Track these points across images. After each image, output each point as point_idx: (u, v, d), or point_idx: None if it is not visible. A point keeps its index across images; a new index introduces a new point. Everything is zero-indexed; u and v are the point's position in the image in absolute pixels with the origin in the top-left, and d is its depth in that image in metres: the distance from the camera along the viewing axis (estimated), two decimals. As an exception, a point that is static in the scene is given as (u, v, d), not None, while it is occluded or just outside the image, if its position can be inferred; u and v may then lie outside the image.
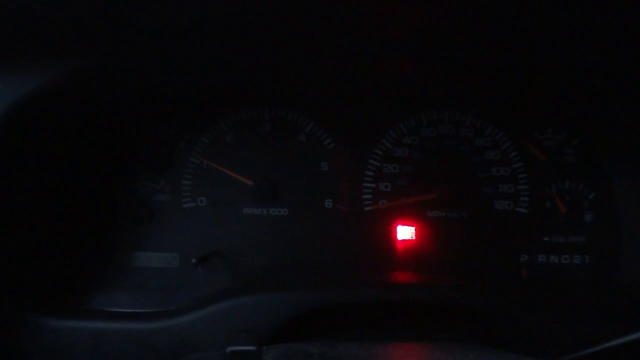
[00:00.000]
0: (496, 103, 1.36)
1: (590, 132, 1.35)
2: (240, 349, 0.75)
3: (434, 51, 1.06)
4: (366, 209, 1.36)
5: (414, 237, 1.35)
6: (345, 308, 1.07)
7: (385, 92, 1.36)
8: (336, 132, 1.37)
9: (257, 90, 1.36)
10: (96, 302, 1.29)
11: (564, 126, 1.36)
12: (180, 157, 1.38)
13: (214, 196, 1.38)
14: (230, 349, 0.75)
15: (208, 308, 1.06)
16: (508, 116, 1.36)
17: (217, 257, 1.35)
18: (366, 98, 1.37)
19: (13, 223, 1.18)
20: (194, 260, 1.26)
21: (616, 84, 1.19)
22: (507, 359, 0.90)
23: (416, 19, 0.95)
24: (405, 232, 1.35)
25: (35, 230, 1.24)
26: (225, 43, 1.02)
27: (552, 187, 1.35)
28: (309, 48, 1.06)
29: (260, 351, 0.76)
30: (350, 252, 1.35)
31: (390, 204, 1.36)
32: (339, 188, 1.37)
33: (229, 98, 1.38)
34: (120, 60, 1.04)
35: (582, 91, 1.29)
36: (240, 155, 1.37)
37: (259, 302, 1.05)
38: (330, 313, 1.08)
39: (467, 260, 1.34)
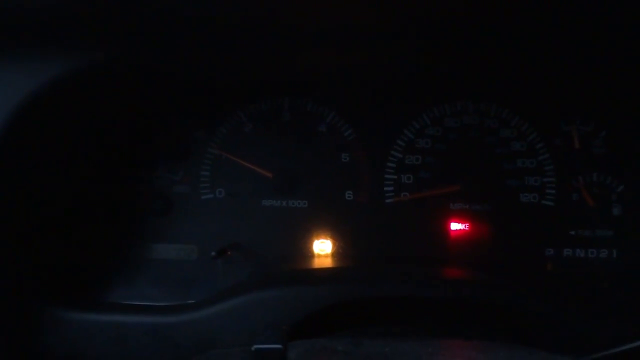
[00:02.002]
0: (522, 93, 1.33)
1: (619, 124, 1.31)
2: (265, 347, 0.73)
3: (459, 40, 1.03)
4: (387, 201, 1.34)
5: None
6: (369, 303, 1.05)
7: (408, 82, 1.33)
8: (357, 122, 1.35)
9: (277, 80, 1.34)
10: (115, 295, 1.28)
11: (592, 117, 1.32)
12: (199, 147, 1.36)
13: (233, 187, 1.36)
14: (255, 347, 0.73)
15: (231, 301, 1.04)
16: (534, 106, 1.32)
17: (235, 250, 1.33)
18: (388, 88, 1.34)
19: (32, 216, 1.17)
20: (213, 253, 1.24)
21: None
22: (537, 357, 0.88)
23: (440, 8, 0.91)
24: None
25: (53, 223, 1.23)
26: (244, 34, 1.00)
27: (580, 180, 1.31)
28: (329, 39, 1.03)
29: (285, 349, 0.74)
30: (371, 245, 1.32)
31: (413, 196, 1.33)
32: (360, 180, 1.34)
33: (248, 88, 1.36)
34: (136, 52, 1.03)
35: (611, 81, 1.25)
36: (259, 146, 1.35)
37: (283, 295, 1.03)
38: (354, 307, 1.06)
39: (491, 253, 1.31)
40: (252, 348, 0.74)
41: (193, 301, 1.13)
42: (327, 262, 1.30)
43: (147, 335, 1.06)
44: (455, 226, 1.33)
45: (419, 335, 0.99)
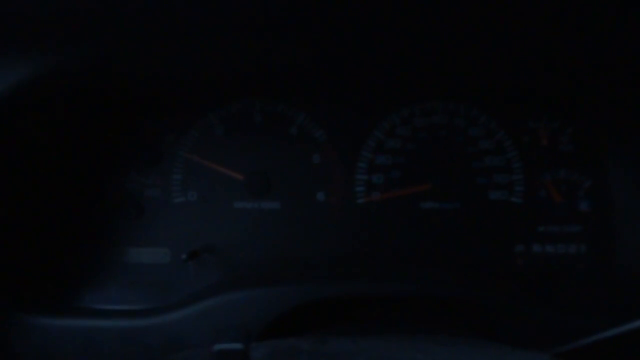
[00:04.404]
0: (489, 92, 1.34)
1: (585, 120, 1.33)
2: (227, 347, 0.73)
3: (425, 40, 1.04)
4: (359, 201, 1.35)
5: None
6: (337, 303, 1.05)
7: (378, 82, 1.34)
8: (328, 124, 1.36)
9: (247, 82, 1.34)
10: (87, 300, 1.27)
11: (558, 114, 1.34)
12: (170, 151, 1.36)
13: (205, 190, 1.36)
14: (217, 347, 0.73)
15: (197, 305, 1.05)
16: (501, 105, 1.34)
17: (208, 252, 1.33)
18: (358, 89, 1.35)
19: (1, 221, 1.16)
20: (184, 256, 1.24)
21: (611, 71, 1.17)
22: (501, 351, 0.89)
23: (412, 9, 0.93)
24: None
25: (23, 228, 1.23)
26: (214, 35, 1.00)
27: (547, 176, 1.33)
28: (298, 40, 1.04)
29: (248, 348, 0.74)
30: (343, 245, 1.33)
31: (384, 196, 1.34)
32: (332, 181, 1.35)
33: (219, 90, 1.36)
34: (106, 53, 1.02)
35: (577, 78, 1.27)
36: (230, 148, 1.36)
37: (249, 297, 1.04)
38: (322, 308, 1.06)
39: (461, 251, 1.32)
40: (214, 349, 0.74)
41: (162, 304, 1.13)
42: (298, 263, 1.31)
43: (116, 339, 1.06)
44: (425, 224, 1.34)
45: (386, 333, 1.00)
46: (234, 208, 1.35)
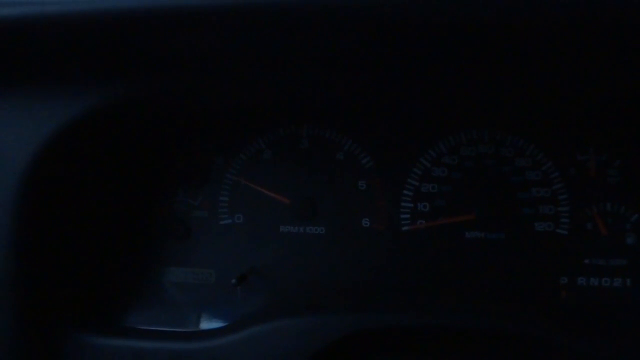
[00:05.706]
0: (537, 122, 1.34)
1: (634, 153, 1.33)
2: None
3: (473, 69, 1.05)
4: (404, 228, 1.35)
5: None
6: (390, 332, 1.06)
7: (425, 110, 1.35)
8: (374, 150, 1.36)
9: (296, 107, 1.36)
10: (132, 319, 1.29)
11: (606, 146, 1.34)
12: (218, 173, 1.38)
13: (251, 213, 1.38)
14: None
15: (250, 329, 1.06)
16: (549, 136, 1.34)
17: (253, 275, 1.34)
18: (405, 116, 1.36)
19: (52, 241, 1.18)
20: (233, 281, 1.26)
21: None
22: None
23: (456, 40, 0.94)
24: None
25: (73, 248, 1.25)
26: (265, 64, 1.02)
27: (594, 209, 1.33)
28: (347, 69, 1.05)
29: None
30: (387, 272, 1.34)
31: (429, 224, 1.35)
32: (377, 207, 1.36)
33: (267, 115, 1.38)
34: (157, 86, 1.05)
35: (626, 111, 1.27)
36: (277, 172, 1.37)
37: (300, 325, 1.05)
38: (372, 337, 1.07)
39: (505, 282, 1.32)
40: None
41: (213, 327, 1.15)
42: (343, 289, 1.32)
43: (169, 362, 1.08)
44: (469, 254, 1.34)
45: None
46: (279, 232, 1.37)
